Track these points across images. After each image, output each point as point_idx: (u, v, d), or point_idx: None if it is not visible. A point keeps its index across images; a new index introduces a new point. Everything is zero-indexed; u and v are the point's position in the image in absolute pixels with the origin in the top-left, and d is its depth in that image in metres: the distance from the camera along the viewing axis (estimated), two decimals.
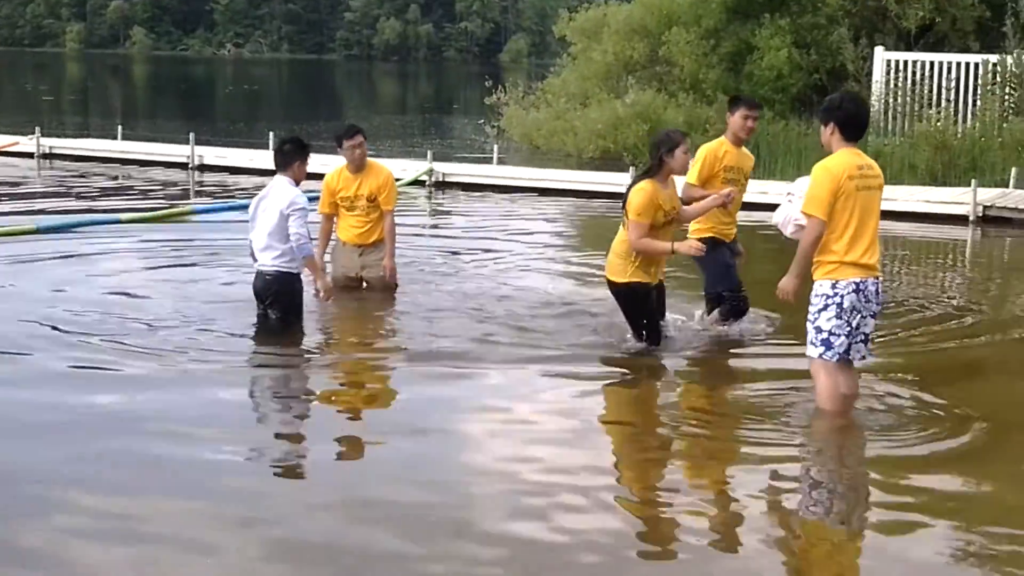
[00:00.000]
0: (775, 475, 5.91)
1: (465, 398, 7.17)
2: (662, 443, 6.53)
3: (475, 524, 5.14)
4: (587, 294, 9.86)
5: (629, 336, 7.98)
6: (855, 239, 6.29)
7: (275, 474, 5.90)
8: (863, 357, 6.58)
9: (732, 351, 8.29)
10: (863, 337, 6.47)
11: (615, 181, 16.72)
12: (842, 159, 6.34)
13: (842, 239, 6.29)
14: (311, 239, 8.48)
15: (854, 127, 6.40)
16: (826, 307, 6.36)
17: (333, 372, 7.99)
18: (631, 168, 16.75)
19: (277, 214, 8.15)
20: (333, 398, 7.30)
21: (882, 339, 8.02)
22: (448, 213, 15.71)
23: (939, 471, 5.97)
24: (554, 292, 10.03)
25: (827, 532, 5.29)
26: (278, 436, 6.53)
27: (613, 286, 7.89)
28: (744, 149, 8.57)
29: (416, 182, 17.46)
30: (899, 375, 7.57)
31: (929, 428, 6.50)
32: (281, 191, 8.24)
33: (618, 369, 7.78)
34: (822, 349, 6.41)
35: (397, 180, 10.75)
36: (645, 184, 7.61)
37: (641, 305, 7.88)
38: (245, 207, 8.98)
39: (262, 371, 7.73)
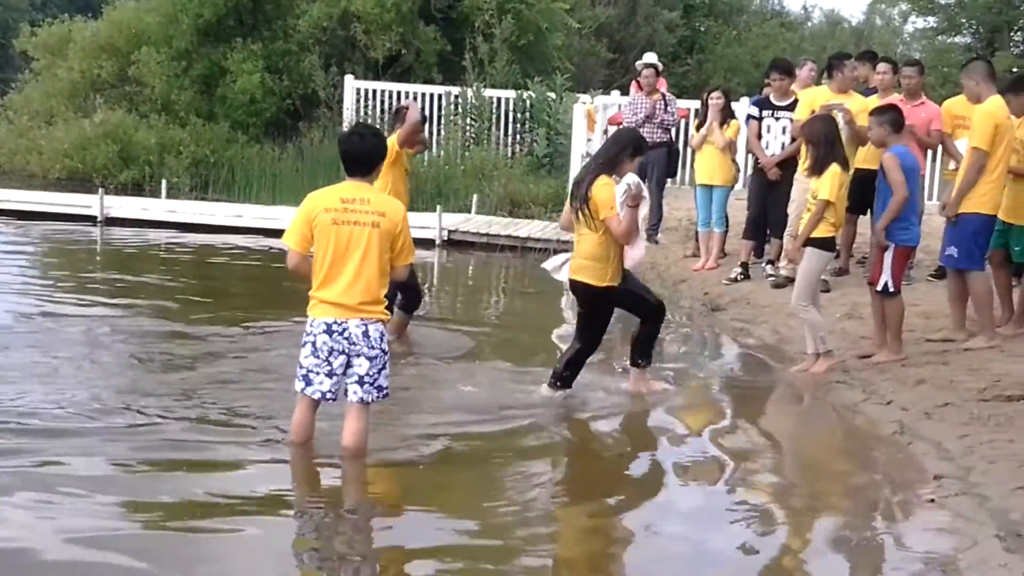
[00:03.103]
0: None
1: None
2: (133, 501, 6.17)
3: None
4: (64, 329, 9.43)
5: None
6: (331, 276, 6.20)
7: None
8: (361, 399, 6.30)
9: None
10: (357, 378, 6.25)
11: (83, 203, 16.07)
12: (330, 191, 6.33)
13: (319, 275, 6.22)
14: None
15: (348, 162, 6.33)
16: (305, 343, 6.29)
17: None
18: (100, 189, 16.17)
19: None
20: None
21: None
22: None
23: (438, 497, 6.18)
24: (26, 324, 9.49)
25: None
26: None
27: (589, 290, 7.65)
28: None
29: None
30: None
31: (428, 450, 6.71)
32: None
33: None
34: (303, 384, 6.31)
35: None
36: (605, 178, 7.48)
37: (609, 309, 7.80)
38: None
39: None
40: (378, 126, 19.37)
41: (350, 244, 6.17)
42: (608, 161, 7.67)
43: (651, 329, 8.12)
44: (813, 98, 11.00)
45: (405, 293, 9.14)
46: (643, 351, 8.10)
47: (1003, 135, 8.71)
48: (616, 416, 7.83)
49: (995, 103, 8.82)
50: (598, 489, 6.41)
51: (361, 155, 6.33)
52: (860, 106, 10.64)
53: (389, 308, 8.69)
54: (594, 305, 7.79)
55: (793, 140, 11.20)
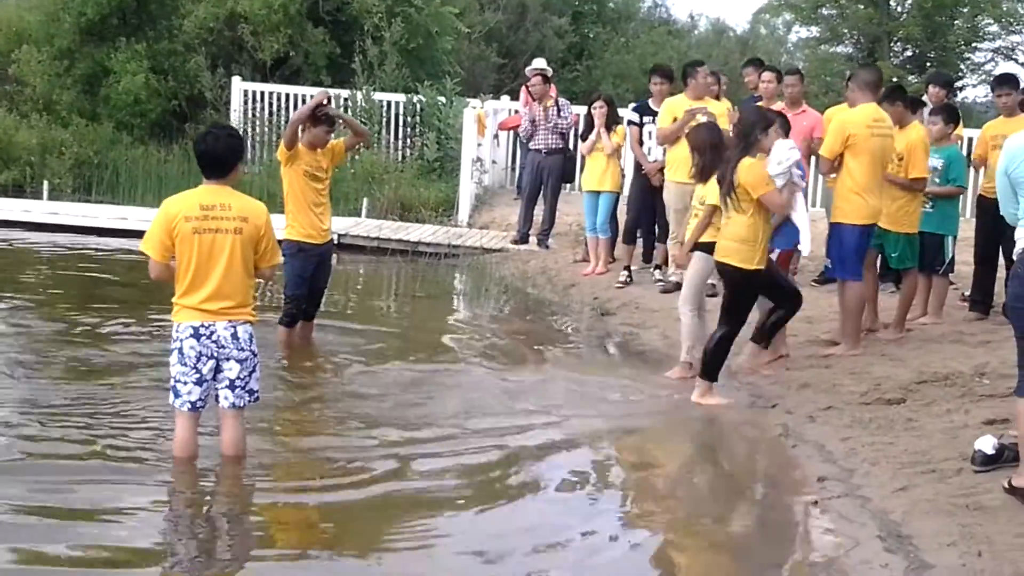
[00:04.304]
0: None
1: None
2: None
3: None
4: None
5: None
6: (195, 283, 6.05)
7: None
8: (233, 404, 6.18)
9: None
10: (228, 383, 6.13)
11: None
12: (188, 196, 6.16)
13: (183, 282, 6.07)
14: None
15: (205, 165, 6.15)
16: (172, 351, 6.15)
17: None
18: None
19: None
20: None
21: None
22: None
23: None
24: None
25: None
26: None
27: (740, 273, 7.90)
28: None
29: None
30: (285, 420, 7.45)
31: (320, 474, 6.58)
32: None
33: None
34: (172, 397, 6.18)
35: None
36: (749, 159, 7.73)
37: (753, 293, 8.07)
38: None
39: None
40: (266, 128, 19.24)
41: (213, 252, 6.05)
42: (745, 145, 7.92)
43: (783, 314, 8.42)
44: (674, 106, 11.21)
45: (313, 302, 9.12)
46: (768, 332, 8.46)
47: (863, 144, 8.81)
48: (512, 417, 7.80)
49: (858, 112, 8.91)
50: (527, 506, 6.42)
51: (215, 156, 6.15)
52: (718, 110, 10.94)
53: (296, 316, 8.80)
54: (738, 287, 8.04)
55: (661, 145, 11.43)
